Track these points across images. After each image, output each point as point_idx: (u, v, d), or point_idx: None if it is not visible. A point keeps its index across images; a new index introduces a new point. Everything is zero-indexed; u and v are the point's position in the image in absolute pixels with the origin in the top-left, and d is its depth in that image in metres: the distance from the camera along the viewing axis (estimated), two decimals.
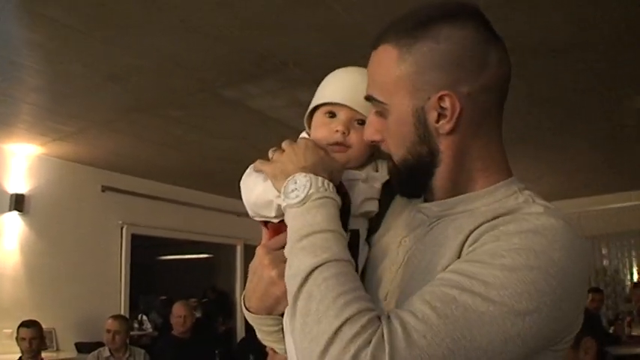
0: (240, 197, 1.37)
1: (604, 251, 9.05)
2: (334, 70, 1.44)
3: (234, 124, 5.13)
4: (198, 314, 7.59)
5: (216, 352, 5.17)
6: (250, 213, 1.35)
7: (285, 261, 1.16)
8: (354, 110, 1.34)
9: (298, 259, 1.07)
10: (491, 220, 1.08)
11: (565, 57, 3.84)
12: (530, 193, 1.17)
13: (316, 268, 1.03)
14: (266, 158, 1.31)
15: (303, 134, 1.43)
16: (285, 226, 1.18)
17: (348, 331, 0.94)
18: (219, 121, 5.07)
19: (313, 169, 1.19)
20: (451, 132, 1.13)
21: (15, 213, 5.78)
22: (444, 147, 1.15)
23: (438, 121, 1.13)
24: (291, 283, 1.05)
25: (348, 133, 1.34)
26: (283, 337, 1.30)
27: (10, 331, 5.21)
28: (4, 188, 5.74)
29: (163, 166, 6.66)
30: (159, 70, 3.99)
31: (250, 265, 1.33)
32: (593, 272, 8.54)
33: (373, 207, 1.35)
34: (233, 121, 5.06)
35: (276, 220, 1.29)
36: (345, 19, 3.28)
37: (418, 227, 1.24)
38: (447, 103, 1.11)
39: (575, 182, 7.64)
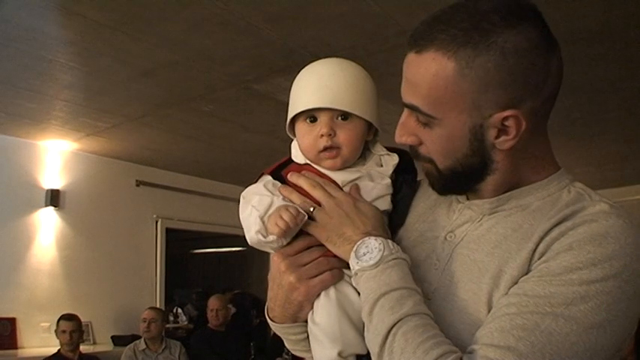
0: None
1: None
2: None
3: (265, 118, 5.13)
4: (232, 308, 7.62)
5: (252, 344, 5.19)
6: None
7: (302, 265, 1.20)
8: (334, 108, 1.27)
9: (378, 318, 1.06)
10: (559, 224, 1.05)
11: (595, 45, 3.76)
12: (582, 186, 1.14)
13: (395, 324, 1.03)
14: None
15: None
16: (301, 232, 1.22)
17: None
18: (250, 114, 5.08)
19: (376, 231, 1.18)
20: (511, 148, 1.08)
21: (51, 208, 5.84)
22: (500, 157, 1.11)
23: (497, 138, 1.07)
24: (373, 342, 1.06)
25: (334, 133, 1.27)
26: (309, 344, 1.26)
27: (48, 324, 5.30)
28: (39, 184, 5.81)
29: (196, 160, 6.69)
30: (190, 64, 4.00)
31: (269, 274, 1.30)
32: None
33: (385, 205, 1.30)
34: (264, 115, 5.06)
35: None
36: (374, 9, 3.25)
37: (466, 223, 1.19)
38: (510, 122, 1.05)
39: (606, 173, 7.51)
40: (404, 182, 1.34)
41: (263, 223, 1.23)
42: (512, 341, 0.95)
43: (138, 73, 4.12)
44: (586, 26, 3.52)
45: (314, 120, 1.30)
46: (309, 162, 1.34)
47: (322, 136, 1.27)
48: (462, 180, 1.15)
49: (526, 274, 1.03)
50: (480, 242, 1.13)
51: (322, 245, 1.24)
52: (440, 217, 1.25)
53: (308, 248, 1.25)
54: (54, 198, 5.82)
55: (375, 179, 1.30)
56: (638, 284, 1.00)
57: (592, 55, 3.92)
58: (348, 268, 1.18)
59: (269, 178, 1.35)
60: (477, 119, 1.06)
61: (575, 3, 3.25)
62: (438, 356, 0.97)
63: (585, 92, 4.62)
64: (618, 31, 3.59)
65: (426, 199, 1.32)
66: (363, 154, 1.34)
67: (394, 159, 1.33)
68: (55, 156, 5.97)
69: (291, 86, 1.35)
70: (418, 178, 1.38)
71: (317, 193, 1.25)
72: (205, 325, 6.23)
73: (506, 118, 1.05)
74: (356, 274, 1.14)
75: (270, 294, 1.29)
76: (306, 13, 3.33)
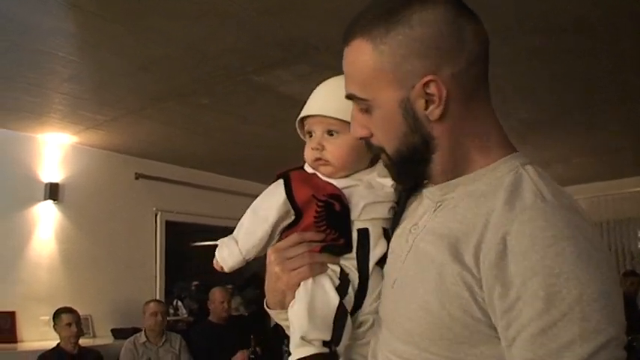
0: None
1: None
2: None
3: (265, 110, 5.13)
4: (235, 300, 7.65)
5: (252, 336, 5.20)
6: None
7: (288, 258, 1.33)
8: (327, 118, 1.39)
9: None
10: (490, 228, 1.03)
11: (595, 36, 3.76)
12: (532, 169, 1.12)
13: None
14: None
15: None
16: (293, 231, 1.38)
17: None
18: (249, 107, 5.07)
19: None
20: (442, 117, 1.10)
21: (50, 202, 5.84)
22: (438, 133, 1.13)
23: (426, 108, 1.10)
24: None
25: (322, 148, 1.40)
26: None
27: (48, 318, 5.28)
28: (38, 178, 5.80)
29: (195, 153, 6.69)
30: (188, 57, 3.99)
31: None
32: (628, 255, 8.41)
33: (380, 212, 1.38)
34: (263, 107, 5.06)
35: None
36: None
37: (425, 214, 1.23)
38: (432, 89, 1.08)
39: (607, 164, 7.51)
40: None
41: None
42: None
43: (136, 65, 4.12)
44: (587, 17, 3.52)
45: (311, 135, 1.44)
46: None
47: (313, 149, 1.41)
48: (410, 163, 1.18)
49: (473, 275, 1.03)
50: (432, 233, 1.16)
51: (313, 241, 1.37)
52: (412, 212, 1.31)
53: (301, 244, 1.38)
54: (53, 191, 5.82)
55: (374, 187, 1.40)
56: (611, 276, 0.98)
57: (592, 45, 3.91)
58: (333, 262, 1.36)
59: (282, 191, 1.42)
60: (402, 92, 1.10)
61: None
62: None
63: (586, 83, 4.61)
64: (619, 22, 3.59)
65: (414, 195, 1.36)
66: (373, 162, 1.44)
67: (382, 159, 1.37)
68: (54, 149, 5.96)
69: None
70: None
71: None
72: (206, 318, 6.22)
73: (427, 86, 1.08)
74: None
75: (265, 283, 1.42)
76: (305, 5, 3.32)
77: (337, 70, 1.28)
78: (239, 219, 1.43)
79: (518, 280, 0.97)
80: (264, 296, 1.44)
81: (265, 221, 1.40)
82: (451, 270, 1.06)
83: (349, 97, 1.19)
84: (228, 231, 1.48)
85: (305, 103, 1.46)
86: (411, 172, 1.21)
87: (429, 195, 1.23)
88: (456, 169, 1.16)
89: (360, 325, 1.35)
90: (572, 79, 4.51)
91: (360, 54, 1.13)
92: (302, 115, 1.44)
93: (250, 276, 8.88)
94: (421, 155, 1.15)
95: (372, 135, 1.20)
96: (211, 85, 4.53)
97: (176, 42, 3.75)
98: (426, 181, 1.25)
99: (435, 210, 1.20)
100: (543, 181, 1.08)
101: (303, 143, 1.46)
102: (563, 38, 3.78)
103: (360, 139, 1.23)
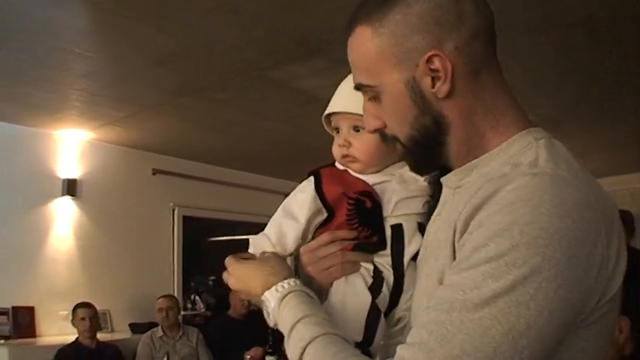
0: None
1: None
2: None
3: (281, 105, 5.13)
4: None
5: (269, 330, 5.20)
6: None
7: (320, 258, 1.34)
8: (352, 114, 1.36)
9: (291, 349, 1.14)
10: (479, 201, 1.00)
11: (610, 28, 3.73)
12: (545, 144, 1.06)
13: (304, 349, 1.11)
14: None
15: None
16: (326, 229, 1.37)
17: None
18: (265, 102, 5.07)
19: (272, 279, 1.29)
20: (450, 93, 1.07)
21: (67, 198, 5.87)
22: (448, 111, 1.09)
23: (433, 86, 1.07)
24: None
25: (349, 145, 1.38)
26: None
27: (66, 312, 5.33)
28: (56, 174, 5.84)
29: (212, 148, 6.70)
30: (204, 53, 4.00)
31: None
32: None
33: (413, 208, 1.35)
34: (279, 102, 5.06)
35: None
36: None
37: (446, 202, 1.19)
38: (436, 64, 1.05)
39: (624, 158, 7.44)
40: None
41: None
42: (425, 336, 0.93)
43: (152, 61, 4.13)
44: (602, 10, 3.49)
45: (339, 131, 1.42)
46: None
47: (340, 146, 1.39)
48: (425, 149, 1.14)
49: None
50: (444, 221, 1.14)
51: (346, 240, 1.34)
52: (440, 203, 1.26)
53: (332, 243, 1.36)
54: (71, 187, 5.85)
55: (407, 182, 1.37)
56: (574, 244, 0.91)
57: (607, 37, 3.88)
58: (366, 260, 1.34)
59: (312, 189, 1.41)
60: (407, 73, 1.08)
61: None
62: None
63: (602, 75, 4.58)
64: (635, 14, 3.55)
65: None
66: None
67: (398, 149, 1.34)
68: (72, 146, 5.99)
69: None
70: None
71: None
72: (225, 312, 6.24)
73: (431, 61, 1.05)
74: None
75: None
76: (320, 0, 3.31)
77: None
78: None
79: (474, 227, 0.97)
80: None
81: (296, 220, 1.38)
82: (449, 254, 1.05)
83: (357, 87, 1.17)
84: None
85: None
86: (427, 158, 1.17)
87: (447, 182, 1.20)
88: (472, 150, 1.12)
89: (397, 322, 1.33)
90: (590, 71, 4.47)
91: (362, 41, 1.12)
92: (327, 112, 1.42)
93: None
94: (434, 138, 1.12)
95: (385, 125, 1.17)
96: (227, 81, 4.53)
97: (192, 37, 3.75)
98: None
99: (453, 196, 1.16)
100: (549, 152, 1.04)
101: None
102: (577, 32, 3.75)
103: (374, 131, 1.20)
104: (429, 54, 1.05)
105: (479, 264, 0.92)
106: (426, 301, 1.07)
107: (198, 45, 3.87)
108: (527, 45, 3.87)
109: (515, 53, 3.90)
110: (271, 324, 1.26)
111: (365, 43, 1.11)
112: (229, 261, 1.39)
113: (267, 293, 1.26)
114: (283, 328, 1.18)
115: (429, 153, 1.15)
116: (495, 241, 0.91)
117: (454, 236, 1.05)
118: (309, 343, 1.09)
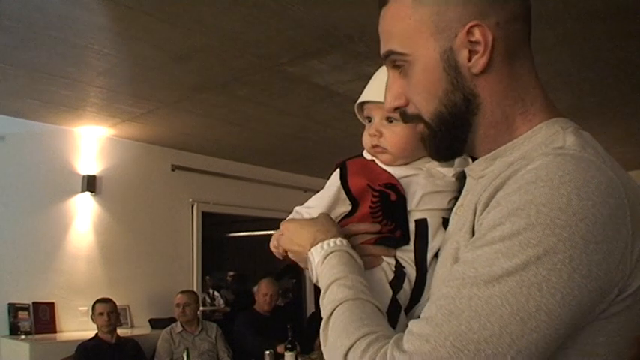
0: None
1: None
2: None
3: (300, 101, 5.12)
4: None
5: (289, 326, 5.23)
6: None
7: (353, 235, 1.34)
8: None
9: (323, 307, 1.16)
10: (500, 181, 0.99)
11: (636, 20, 3.69)
12: (573, 132, 1.02)
13: (333, 310, 1.11)
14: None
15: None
16: (349, 221, 1.37)
17: (358, 349, 0.99)
18: (284, 97, 5.06)
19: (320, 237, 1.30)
20: (485, 69, 1.04)
21: (87, 194, 5.91)
22: (480, 89, 1.06)
23: (470, 59, 1.04)
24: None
25: (380, 135, 1.36)
26: None
27: (86, 308, 5.37)
28: (76, 170, 5.87)
29: (231, 144, 6.70)
30: (223, 48, 3.99)
31: None
32: None
33: (438, 203, 1.33)
34: (299, 98, 5.04)
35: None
36: None
37: (468, 193, 1.17)
38: (477, 36, 1.02)
39: None
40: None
41: None
42: (434, 310, 0.93)
43: (172, 57, 4.13)
44: (623, 2, 3.45)
45: (370, 120, 1.41)
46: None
47: (371, 136, 1.38)
48: (451, 128, 1.10)
49: None
50: (466, 208, 1.12)
51: (369, 233, 1.34)
52: (462, 193, 1.25)
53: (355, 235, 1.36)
54: (90, 184, 5.88)
55: (434, 177, 1.35)
56: (594, 228, 0.87)
57: (633, 29, 3.83)
58: (388, 255, 1.33)
59: (337, 180, 1.41)
60: (445, 43, 1.05)
61: None
62: (358, 338, 1.01)
63: (627, 68, 4.53)
64: None
65: None
66: None
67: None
68: (91, 142, 6.02)
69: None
70: None
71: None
72: (251, 307, 6.29)
73: (471, 33, 1.03)
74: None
75: None
76: None
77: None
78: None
79: (492, 207, 0.96)
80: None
81: (321, 211, 1.38)
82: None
83: (387, 54, 1.13)
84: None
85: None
86: (451, 139, 1.12)
87: (470, 172, 1.18)
88: (498, 136, 1.09)
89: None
90: (615, 64, 4.42)
91: (401, 7, 1.09)
92: (361, 100, 1.41)
93: (285, 266, 8.93)
94: (462, 117, 1.08)
95: (407, 104, 1.14)
96: (246, 76, 4.53)
97: (211, 33, 3.75)
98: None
99: (476, 186, 1.13)
100: (577, 138, 1.00)
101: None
102: (601, 24, 3.71)
103: (395, 109, 1.17)
104: (471, 24, 1.02)
105: (493, 242, 0.91)
106: (441, 284, 1.05)
107: (217, 40, 3.87)
108: (550, 37, 3.84)
109: (541, 43, 3.87)
110: (313, 280, 1.28)
111: (403, 10, 1.08)
112: (284, 222, 1.42)
113: (312, 249, 1.27)
114: (321, 285, 1.20)
115: (453, 133, 1.11)
116: (511, 220, 0.90)
117: (474, 219, 1.03)
118: (338, 305, 1.10)
